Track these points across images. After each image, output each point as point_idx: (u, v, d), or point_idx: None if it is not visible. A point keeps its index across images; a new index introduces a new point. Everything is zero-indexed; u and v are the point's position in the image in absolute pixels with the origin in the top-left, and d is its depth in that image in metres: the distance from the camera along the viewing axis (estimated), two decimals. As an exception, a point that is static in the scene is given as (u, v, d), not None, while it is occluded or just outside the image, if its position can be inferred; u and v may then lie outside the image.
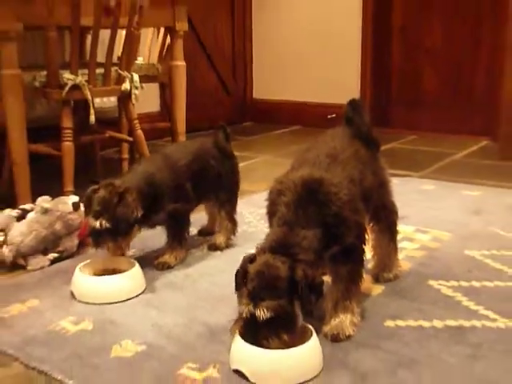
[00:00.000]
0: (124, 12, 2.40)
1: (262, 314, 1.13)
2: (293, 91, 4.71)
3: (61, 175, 2.39)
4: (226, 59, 4.75)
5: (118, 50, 2.60)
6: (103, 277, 1.69)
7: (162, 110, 3.89)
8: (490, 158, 3.38)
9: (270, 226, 1.35)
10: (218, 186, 1.99)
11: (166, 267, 1.83)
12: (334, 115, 4.45)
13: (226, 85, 4.77)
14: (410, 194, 2.61)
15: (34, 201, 2.22)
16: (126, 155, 3.06)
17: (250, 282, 1.18)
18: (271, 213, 1.35)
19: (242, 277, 1.22)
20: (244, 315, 1.17)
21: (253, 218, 2.30)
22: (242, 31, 4.82)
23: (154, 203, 1.77)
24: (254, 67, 4.93)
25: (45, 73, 2.39)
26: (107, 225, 1.63)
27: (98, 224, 1.63)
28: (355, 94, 4.36)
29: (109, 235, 1.66)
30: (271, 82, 4.85)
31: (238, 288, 1.24)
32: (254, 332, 1.18)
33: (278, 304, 1.15)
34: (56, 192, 2.30)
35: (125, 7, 2.39)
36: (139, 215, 1.68)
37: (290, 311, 1.17)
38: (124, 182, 1.72)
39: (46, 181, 2.46)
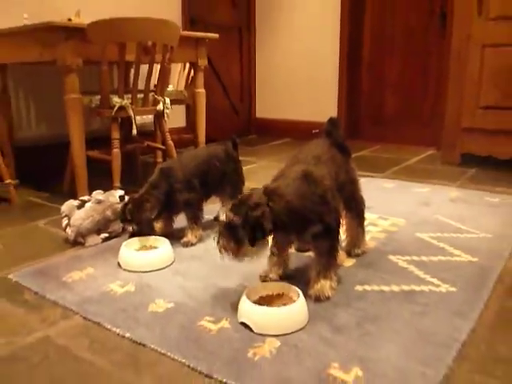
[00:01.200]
0: (158, 51, 2.39)
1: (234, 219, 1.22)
2: (285, 111, 4.69)
3: (110, 175, 2.38)
4: (236, 87, 4.73)
5: (154, 79, 2.59)
6: (142, 251, 1.67)
7: (187, 125, 3.88)
8: (435, 163, 3.36)
9: None
10: (223, 182, 1.96)
11: (190, 245, 1.82)
12: (317, 130, 4.46)
13: (235, 106, 4.75)
14: (375, 190, 2.59)
15: (90, 194, 2.22)
16: (159, 159, 3.04)
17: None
18: None
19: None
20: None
21: None
22: (247, 66, 4.79)
23: (170, 195, 1.78)
24: (257, 93, 4.91)
25: (99, 97, 2.37)
26: (135, 228, 1.76)
27: (130, 228, 1.77)
28: (333, 112, 4.35)
29: (139, 232, 1.76)
30: (269, 104, 4.83)
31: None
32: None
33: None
34: (107, 187, 2.29)
35: (159, 47, 2.38)
36: (153, 216, 1.78)
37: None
38: (147, 188, 1.77)
39: (100, 179, 2.44)
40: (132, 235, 1.77)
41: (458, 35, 3.10)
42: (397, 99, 4.21)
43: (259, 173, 3.06)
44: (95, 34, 2.16)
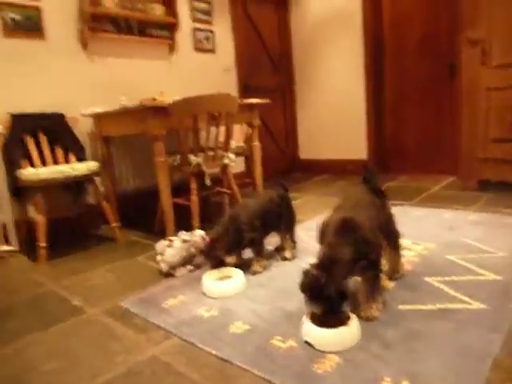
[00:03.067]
0: (223, 117, 2.48)
1: (317, 311, 1.15)
2: (323, 152, 4.69)
3: (190, 216, 2.45)
4: (281, 134, 4.79)
5: (220, 139, 2.68)
6: (221, 281, 1.69)
7: (246, 170, 3.95)
8: (455, 190, 3.24)
9: (321, 245, 1.34)
10: (279, 221, 1.96)
11: (257, 273, 1.83)
12: (349, 166, 4.43)
13: (282, 150, 4.80)
14: (406, 217, 2.52)
15: (176, 232, 2.30)
16: (226, 201, 3.09)
17: (305, 291, 1.20)
18: (321, 238, 1.35)
19: (303, 288, 1.22)
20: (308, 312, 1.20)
21: (306, 237, 2.26)
22: (290, 117, 4.85)
23: (238, 235, 1.80)
24: (299, 138, 4.95)
25: (179, 156, 2.47)
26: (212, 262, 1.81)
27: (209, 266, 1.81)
28: (364, 150, 4.31)
29: (215, 266, 1.81)
30: (310, 146, 4.84)
31: (306, 298, 1.23)
32: (317, 319, 1.19)
33: (322, 305, 1.17)
34: (188, 225, 2.37)
35: (223, 115, 2.47)
36: (223, 255, 1.80)
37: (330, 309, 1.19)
38: (220, 231, 1.80)
39: (182, 219, 2.52)
40: (211, 268, 1.81)
41: (467, 81, 3.04)
42: (417, 135, 4.11)
43: (306, 206, 3.05)
44: (175, 110, 2.28)
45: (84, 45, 2.95)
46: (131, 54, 3.23)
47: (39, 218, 2.26)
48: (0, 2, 2.57)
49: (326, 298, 1.16)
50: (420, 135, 4.10)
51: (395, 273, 1.63)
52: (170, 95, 2.76)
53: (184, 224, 2.41)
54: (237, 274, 1.72)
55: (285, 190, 2.05)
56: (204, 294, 1.65)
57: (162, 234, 2.42)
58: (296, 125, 4.91)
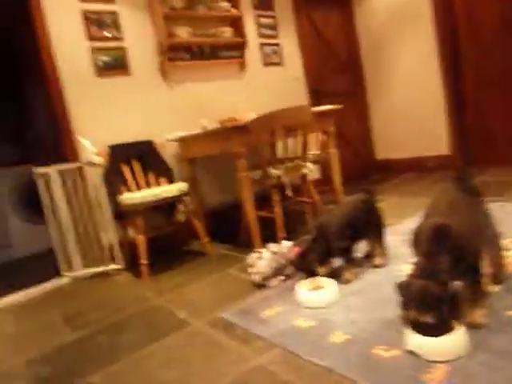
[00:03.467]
0: (299, 128, 2.53)
1: (428, 320, 1.13)
2: (400, 150, 4.53)
3: (275, 228, 2.52)
4: (355, 137, 4.71)
5: (298, 150, 2.72)
6: (315, 291, 1.70)
7: (322, 177, 3.96)
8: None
9: (415, 253, 1.30)
10: (368, 227, 1.94)
11: (349, 282, 1.82)
12: (430, 163, 4.21)
13: (357, 152, 4.71)
14: (502, 214, 2.33)
15: (262, 243, 2.38)
16: (308, 211, 3.11)
17: (413, 300, 1.17)
18: (414, 246, 1.32)
19: (404, 303, 1.20)
20: (412, 321, 1.18)
21: (396, 243, 2.18)
22: (363, 118, 4.77)
23: (327, 244, 1.81)
24: (374, 138, 4.83)
25: (260, 171, 2.54)
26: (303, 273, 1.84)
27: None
28: (444, 145, 4.09)
29: (306, 277, 1.83)
30: (386, 146, 4.71)
31: (404, 307, 1.21)
32: (421, 329, 1.17)
33: (435, 314, 1.13)
34: (272, 236, 2.44)
35: (299, 126, 2.52)
36: (316, 266, 1.81)
37: (442, 317, 1.15)
38: (309, 242, 1.83)
39: (267, 230, 2.59)
40: (303, 278, 1.84)
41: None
42: (505, 123, 3.81)
43: (391, 208, 2.97)
44: (254, 127, 2.38)
45: (164, 75, 3.19)
46: (206, 77, 3.42)
47: (140, 238, 2.48)
48: (93, 48, 2.89)
49: (439, 306, 1.13)
50: (502, 126, 3.79)
51: (499, 276, 1.53)
52: (244, 112, 2.88)
53: (268, 235, 2.48)
54: (330, 283, 1.74)
55: (371, 195, 2.03)
56: (299, 304, 1.69)
57: (247, 246, 2.52)
58: (369, 125, 4.81)
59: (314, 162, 3.03)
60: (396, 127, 4.53)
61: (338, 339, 1.37)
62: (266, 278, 1.96)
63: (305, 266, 1.83)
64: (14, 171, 3.74)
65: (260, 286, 1.97)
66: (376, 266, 1.95)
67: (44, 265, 3.17)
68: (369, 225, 1.95)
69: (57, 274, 2.71)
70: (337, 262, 1.92)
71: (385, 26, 4.35)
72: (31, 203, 3.71)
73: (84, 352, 1.65)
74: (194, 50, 3.32)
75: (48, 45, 2.72)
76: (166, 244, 3.07)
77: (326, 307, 1.63)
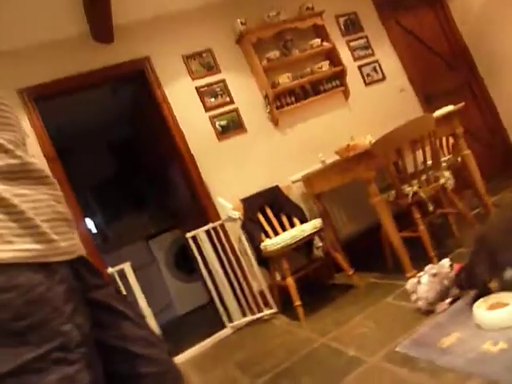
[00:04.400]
0: (426, 138, 2.40)
1: None
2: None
3: (421, 247, 2.37)
4: (483, 129, 4.27)
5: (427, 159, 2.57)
6: (496, 310, 1.53)
7: (458, 183, 3.64)
8: None
9: None
10: None
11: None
12: None
13: (489, 145, 4.23)
14: None
15: (412, 266, 2.26)
16: (453, 222, 2.86)
17: None
18: None
19: None
20: None
21: None
22: (487, 109, 4.32)
23: (492, 256, 1.62)
24: (507, 126, 4.32)
25: (393, 191, 2.46)
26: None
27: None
28: None
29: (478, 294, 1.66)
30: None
31: None
32: None
33: None
34: (422, 255, 2.30)
35: (425, 136, 2.39)
36: (488, 281, 1.64)
37: None
38: (471, 256, 1.68)
39: (413, 250, 2.44)
40: (474, 298, 1.68)
41: None
42: None
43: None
44: (378, 149, 2.34)
45: (275, 122, 3.37)
46: (313, 114, 3.51)
47: (288, 281, 2.56)
48: (210, 117, 3.21)
49: None
50: None
51: None
52: (360, 137, 2.84)
53: (416, 256, 2.35)
54: (509, 299, 1.55)
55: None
56: (479, 327, 1.54)
57: (397, 272, 2.40)
58: (498, 114, 4.33)
59: (448, 168, 2.81)
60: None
61: (547, 363, 1.20)
62: (432, 304, 1.83)
63: (473, 283, 1.68)
64: (165, 237, 4.25)
65: (427, 312, 1.85)
66: None
67: (206, 319, 3.44)
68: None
69: (221, 325, 2.90)
70: (507, 273, 1.69)
71: (484, 11, 3.99)
72: (184, 264, 4.13)
73: (269, 399, 1.71)
74: (297, 92, 3.45)
75: (176, 126, 3.12)
76: (310, 282, 3.10)
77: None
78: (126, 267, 2.58)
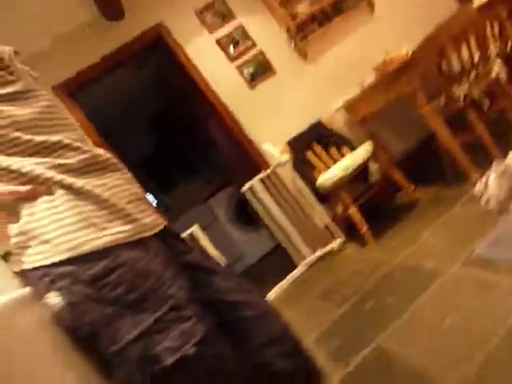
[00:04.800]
0: (468, 29, 2.21)
1: None
2: None
3: (482, 151, 2.25)
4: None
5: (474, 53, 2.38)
6: None
7: (509, 73, 3.33)
8: None
9: None
10: None
11: None
12: None
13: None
14: None
15: (474, 169, 2.17)
16: (510, 115, 2.67)
17: None
18: None
19: None
20: None
21: None
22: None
23: None
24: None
25: (443, 97, 2.33)
26: None
27: None
28: None
29: None
30: None
31: None
32: None
33: None
34: (482, 158, 2.20)
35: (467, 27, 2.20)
36: None
37: None
38: None
39: (475, 156, 2.33)
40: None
41: None
42: None
43: None
44: (419, 54, 2.20)
45: (303, 55, 3.24)
46: (341, 35, 3.32)
47: (352, 211, 2.58)
48: (237, 65, 3.15)
49: None
50: None
51: None
52: (395, 48, 2.67)
53: (475, 157, 2.25)
54: None
55: None
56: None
57: (457, 179, 2.33)
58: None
59: (498, 57, 2.58)
60: None
61: None
62: (504, 202, 1.77)
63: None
64: (221, 195, 4.38)
65: (500, 212, 1.78)
66: None
67: (277, 262, 3.59)
68: None
69: (293, 265, 3.02)
70: None
71: None
72: (245, 216, 4.27)
73: (360, 319, 1.79)
74: (318, 17, 3.26)
75: (206, 84, 3.10)
76: (372, 206, 3.08)
77: None
78: (196, 229, 2.72)
